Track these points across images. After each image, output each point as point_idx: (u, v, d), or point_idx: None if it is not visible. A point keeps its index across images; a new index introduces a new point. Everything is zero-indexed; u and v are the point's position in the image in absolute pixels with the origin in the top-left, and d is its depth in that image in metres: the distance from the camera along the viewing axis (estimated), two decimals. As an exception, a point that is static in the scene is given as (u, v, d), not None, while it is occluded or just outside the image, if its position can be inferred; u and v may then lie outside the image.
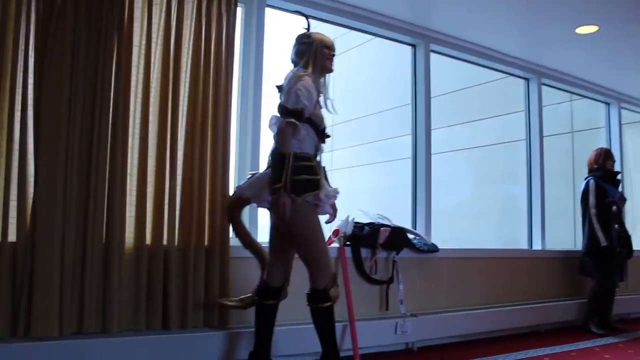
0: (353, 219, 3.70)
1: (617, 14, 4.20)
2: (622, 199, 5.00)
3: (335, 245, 3.65)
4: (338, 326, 3.49)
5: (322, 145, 3.00)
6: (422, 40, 4.51)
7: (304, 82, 2.83)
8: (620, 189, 5.20)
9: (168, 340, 2.93)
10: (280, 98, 2.91)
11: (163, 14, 3.12)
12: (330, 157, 11.62)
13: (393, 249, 3.85)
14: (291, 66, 3.03)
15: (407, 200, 4.55)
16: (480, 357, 3.61)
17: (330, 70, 3.04)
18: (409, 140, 4.64)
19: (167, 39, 3.11)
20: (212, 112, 3.23)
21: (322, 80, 3.02)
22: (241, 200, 3.08)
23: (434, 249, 4.03)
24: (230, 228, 3.21)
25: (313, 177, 2.82)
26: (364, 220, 3.89)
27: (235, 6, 3.38)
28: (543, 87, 5.48)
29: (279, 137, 2.80)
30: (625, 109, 6.49)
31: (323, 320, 2.89)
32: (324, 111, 3.03)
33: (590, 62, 5.30)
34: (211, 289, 3.14)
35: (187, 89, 3.19)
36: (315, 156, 2.93)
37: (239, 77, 3.64)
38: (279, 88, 2.97)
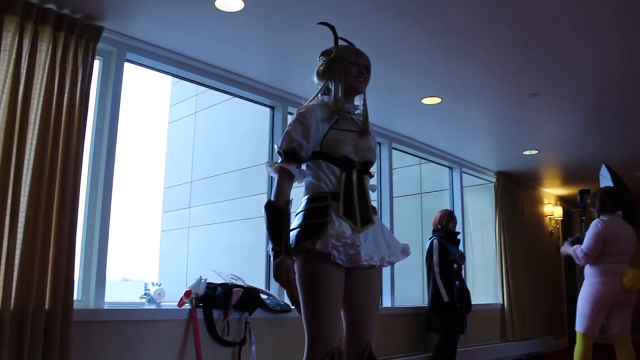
0: (205, 279, 3.65)
1: (458, 88, 4.61)
2: (462, 257, 5.37)
3: (187, 306, 3.57)
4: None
5: (361, 175, 2.38)
6: (280, 102, 4.65)
7: (299, 114, 2.35)
8: (460, 247, 5.60)
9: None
10: None
11: (12, 61, 2.95)
12: (188, 214, 11.42)
13: (246, 309, 3.82)
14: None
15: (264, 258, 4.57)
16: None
17: (359, 91, 2.47)
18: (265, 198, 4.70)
19: (15, 88, 2.94)
20: (60, 167, 3.07)
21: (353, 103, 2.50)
22: None
23: (286, 308, 4.06)
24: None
25: (316, 221, 2.25)
26: (217, 280, 3.85)
27: (93, 59, 3.29)
28: (393, 150, 5.83)
29: (274, 186, 2.32)
30: (466, 173, 7.05)
31: None
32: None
33: (435, 130, 5.74)
34: (51, 354, 2.88)
35: (34, 143, 3.00)
36: (341, 192, 2.31)
37: (92, 131, 3.51)
38: None
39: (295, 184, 2.36)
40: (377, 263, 2.31)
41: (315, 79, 2.52)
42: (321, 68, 2.47)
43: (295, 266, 2.28)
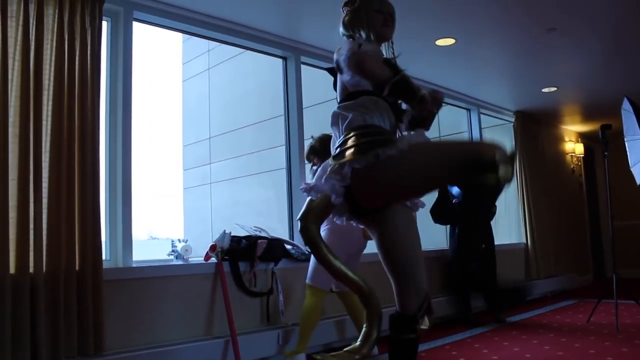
0: (229, 233, 3.70)
1: (472, 27, 4.52)
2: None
3: (213, 260, 3.64)
4: (220, 342, 3.50)
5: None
6: (292, 52, 4.61)
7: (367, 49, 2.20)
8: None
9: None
10: (345, 76, 2.25)
11: (20, 28, 2.95)
12: (209, 171, 11.51)
13: (271, 260, 3.90)
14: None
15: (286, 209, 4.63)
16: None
17: (387, 38, 2.39)
18: (283, 150, 4.71)
19: (26, 55, 2.94)
20: (78, 131, 3.10)
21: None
22: (325, 206, 2.21)
23: (310, 257, 4.11)
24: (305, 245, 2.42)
25: (384, 137, 2.14)
26: (241, 233, 3.91)
27: (100, 20, 3.27)
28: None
29: (369, 72, 2.12)
30: (484, 114, 6.97)
31: (400, 357, 2.23)
32: None
33: (450, 71, 5.66)
34: (84, 314, 2.99)
35: (50, 108, 3.03)
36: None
37: (106, 93, 3.53)
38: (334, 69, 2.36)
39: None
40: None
41: (341, 29, 2.45)
42: (346, 18, 2.41)
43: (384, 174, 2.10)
